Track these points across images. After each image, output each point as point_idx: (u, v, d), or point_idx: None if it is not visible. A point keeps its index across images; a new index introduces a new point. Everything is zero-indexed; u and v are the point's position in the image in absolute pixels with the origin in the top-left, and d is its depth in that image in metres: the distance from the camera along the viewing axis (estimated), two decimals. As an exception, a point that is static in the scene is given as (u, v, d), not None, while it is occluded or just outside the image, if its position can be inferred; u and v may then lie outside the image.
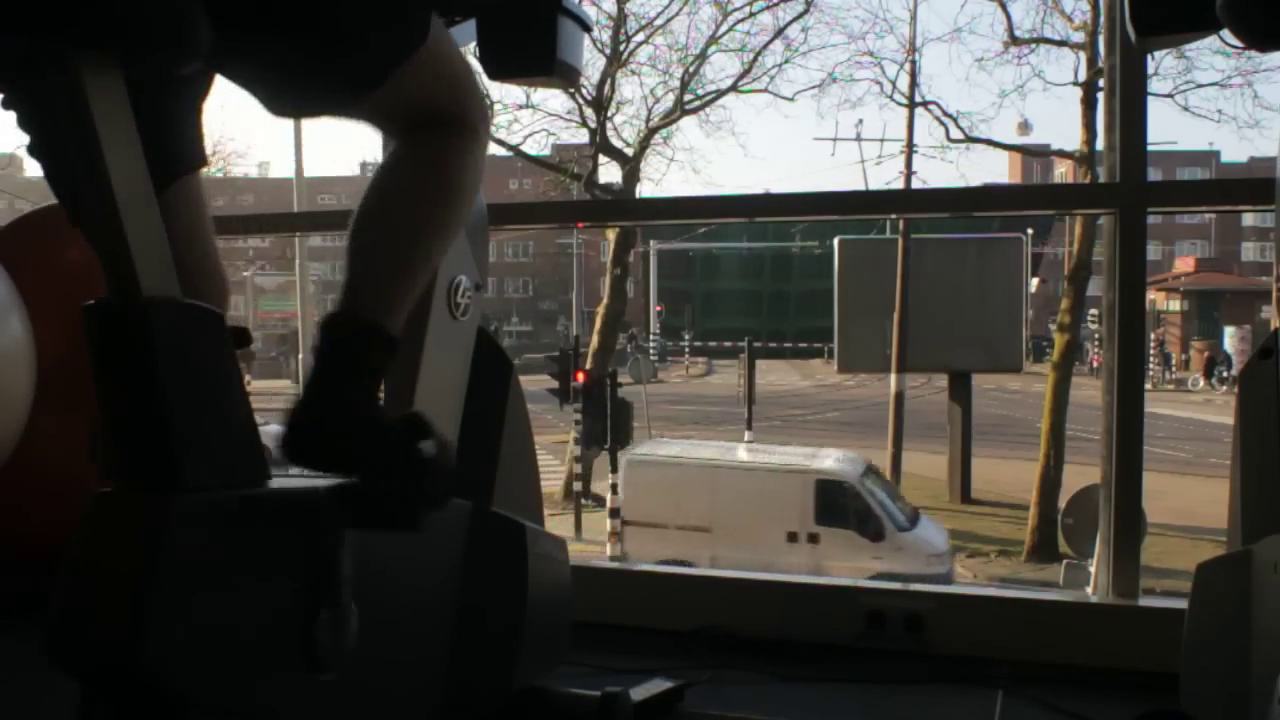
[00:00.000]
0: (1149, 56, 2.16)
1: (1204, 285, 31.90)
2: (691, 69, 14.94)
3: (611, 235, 15.03)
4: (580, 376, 13.03)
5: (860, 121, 19.73)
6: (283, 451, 1.15)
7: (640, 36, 14.75)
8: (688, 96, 14.99)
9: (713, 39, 14.83)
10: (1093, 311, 17.35)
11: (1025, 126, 16.30)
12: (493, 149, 1.41)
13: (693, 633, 2.01)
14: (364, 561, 1.20)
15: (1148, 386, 2.16)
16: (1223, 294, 31.19)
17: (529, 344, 32.17)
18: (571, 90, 13.18)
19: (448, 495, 1.26)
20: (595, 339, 14.63)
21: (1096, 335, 18.66)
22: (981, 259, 14.75)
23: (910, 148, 15.28)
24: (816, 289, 20.57)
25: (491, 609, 1.48)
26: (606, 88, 14.50)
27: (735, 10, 14.69)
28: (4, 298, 2.08)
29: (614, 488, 12.40)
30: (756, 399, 15.30)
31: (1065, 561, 9.70)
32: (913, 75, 14.67)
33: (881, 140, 19.95)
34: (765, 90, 15.13)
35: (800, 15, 14.58)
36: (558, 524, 11.55)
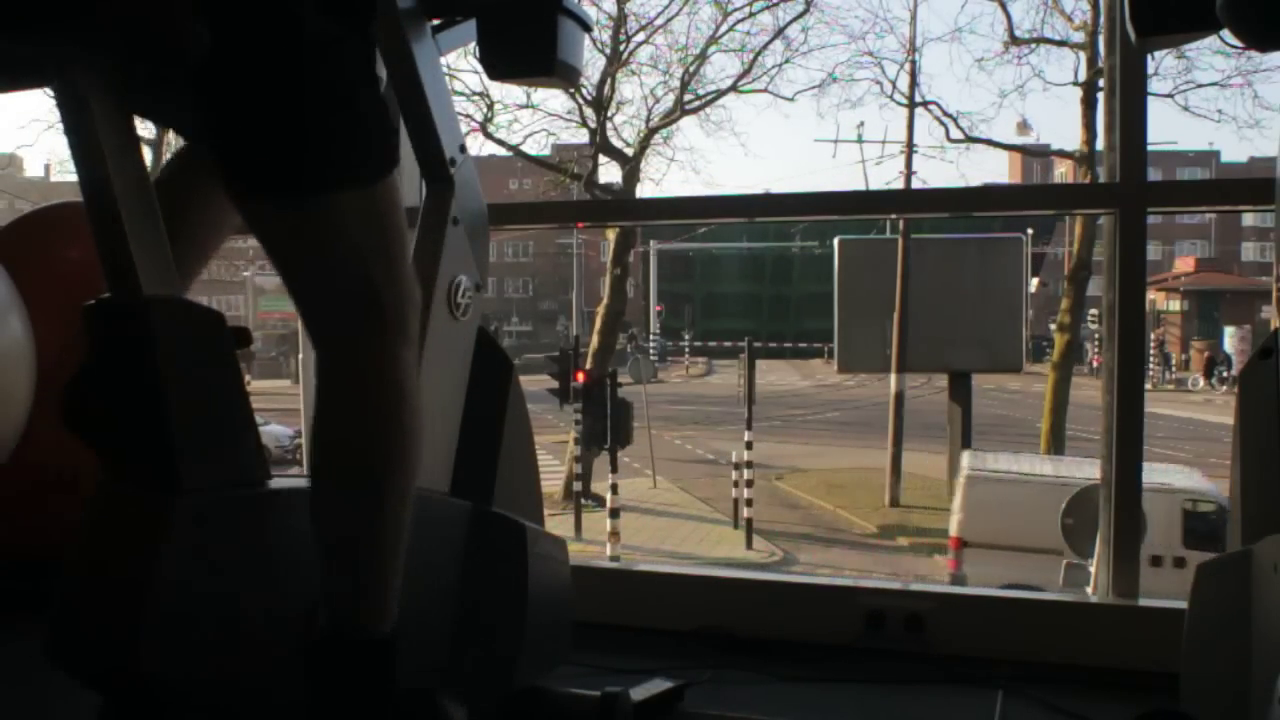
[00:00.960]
0: (1149, 56, 2.16)
1: (1204, 285, 31.90)
2: (691, 69, 14.95)
3: (611, 235, 15.03)
4: (580, 376, 13.04)
5: (862, 123, 19.69)
6: None
7: (640, 36, 14.76)
8: (688, 96, 15.00)
9: (713, 39, 14.83)
10: (1093, 311, 17.37)
11: (1025, 126, 16.31)
12: (493, 149, 1.40)
13: (693, 633, 2.01)
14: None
15: (1148, 386, 2.16)
16: (1223, 294, 31.19)
17: (529, 344, 32.16)
18: (571, 90, 13.18)
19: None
20: (595, 339, 14.63)
21: (1096, 335, 18.67)
22: (981, 259, 14.74)
23: (910, 148, 15.29)
24: (817, 292, 20.57)
25: (491, 609, 1.48)
26: (606, 88, 14.50)
27: (735, 10, 14.70)
28: (4, 298, 2.08)
29: (614, 488, 12.41)
30: (756, 399, 15.29)
31: (1065, 561, 9.68)
32: (913, 75, 14.68)
33: (883, 142, 19.95)
34: (765, 90, 15.14)
35: (800, 15, 14.59)
36: (558, 524, 11.55)
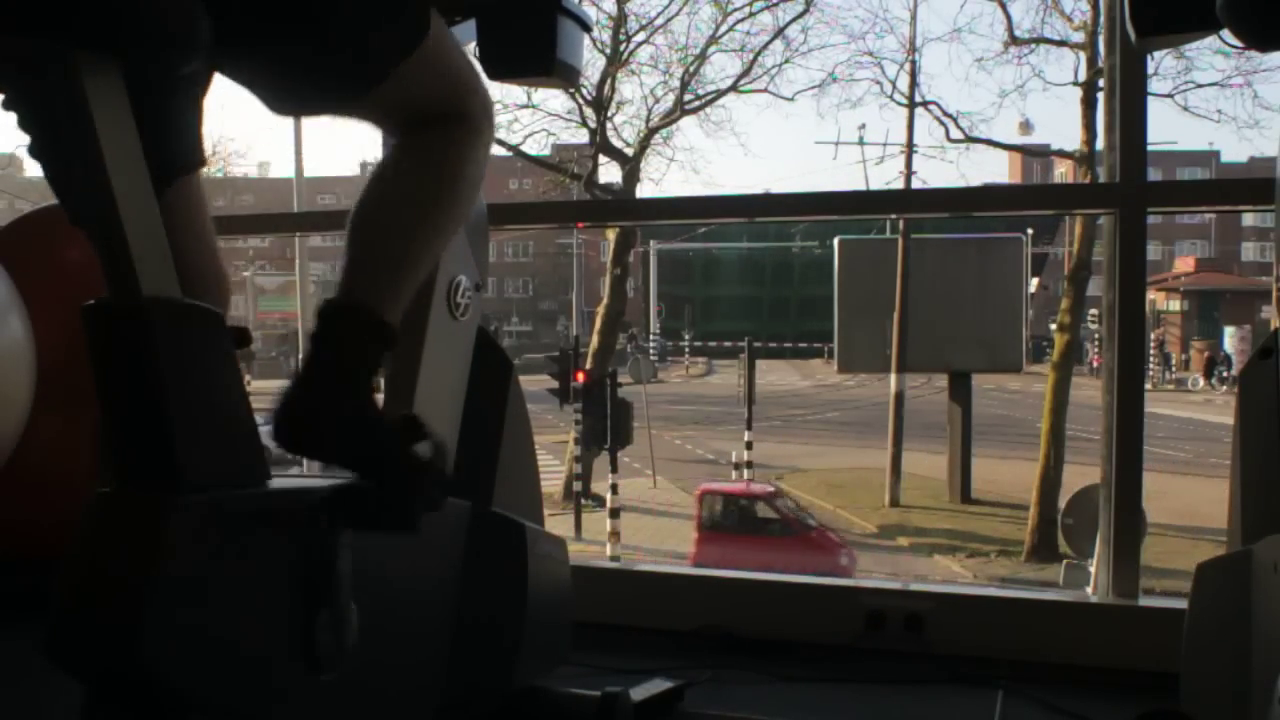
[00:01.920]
0: (1149, 56, 2.16)
1: (1204, 285, 31.90)
2: (691, 69, 14.96)
3: (611, 235, 15.02)
4: (580, 376, 13.04)
5: (863, 126, 19.73)
6: (273, 436, 1.14)
7: (640, 36, 14.77)
8: (688, 96, 15.00)
9: (713, 39, 14.84)
10: (1093, 311, 17.35)
11: (1025, 126, 16.32)
12: (493, 149, 1.40)
13: (693, 633, 2.01)
14: (364, 562, 1.20)
15: (1148, 386, 2.16)
16: (1223, 294, 31.20)
17: (529, 344, 32.17)
18: (571, 90, 13.18)
19: (443, 497, 1.24)
20: (595, 339, 14.63)
21: (1096, 335, 18.66)
22: (981, 259, 14.75)
23: (910, 148, 15.29)
24: (817, 295, 20.56)
25: (491, 609, 1.48)
26: (606, 88, 14.50)
27: (735, 10, 14.71)
28: (4, 298, 2.08)
29: (614, 488, 12.41)
30: (756, 399, 15.30)
31: (1065, 561, 9.69)
32: (913, 75, 14.68)
33: (884, 145, 19.93)
34: (765, 90, 15.15)
35: (800, 15, 14.60)
36: (558, 524, 11.55)
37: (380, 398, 1.30)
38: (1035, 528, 12.23)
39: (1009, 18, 14.28)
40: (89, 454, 1.18)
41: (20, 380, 2.07)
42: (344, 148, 53.75)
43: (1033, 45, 13.24)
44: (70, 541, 1.06)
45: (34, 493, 2.08)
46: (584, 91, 14.12)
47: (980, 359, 14.87)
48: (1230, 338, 27.58)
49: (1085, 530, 8.57)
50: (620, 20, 14.48)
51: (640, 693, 1.62)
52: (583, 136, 15.31)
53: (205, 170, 1.37)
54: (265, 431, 1.16)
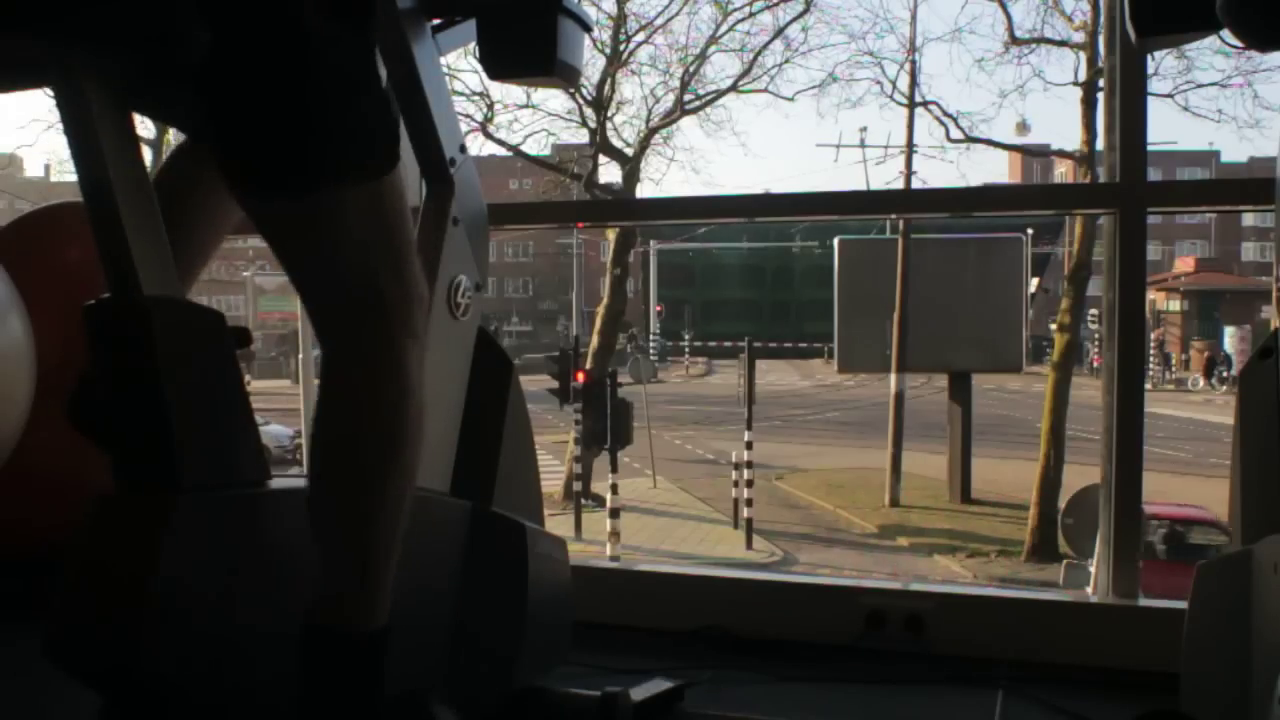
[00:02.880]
0: (1149, 56, 2.16)
1: (1204, 285, 31.92)
2: (691, 69, 14.96)
3: (611, 235, 15.02)
4: (580, 376, 13.04)
5: (864, 128, 19.71)
6: None
7: (640, 36, 14.76)
8: (688, 96, 15.01)
9: (713, 39, 14.85)
10: (1093, 311, 17.35)
11: (1022, 127, 16.31)
12: (493, 149, 1.40)
13: (693, 633, 2.01)
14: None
15: (1148, 386, 2.16)
16: (1223, 294, 31.21)
17: (529, 344, 32.17)
18: (571, 90, 13.18)
19: None
20: (595, 339, 14.63)
21: (1096, 335, 18.65)
22: (981, 259, 14.74)
23: (910, 148, 15.29)
24: (818, 298, 20.54)
25: (492, 609, 1.48)
26: (606, 88, 14.50)
27: (735, 10, 14.71)
28: (4, 298, 2.07)
29: (614, 488, 12.41)
30: (756, 399, 15.29)
31: (1065, 561, 9.69)
32: (913, 75, 14.70)
33: (885, 148, 19.91)
34: (765, 90, 15.16)
35: (800, 15, 14.60)
36: (558, 524, 11.56)
37: None
38: (1035, 528, 12.23)
39: (1009, 18, 14.29)
40: (89, 454, 1.17)
41: (20, 380, 2.07)
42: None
43: (1033, 45, 13.27)
44: (70, 541, 1.06)
45: (34, 493, 2.08)
46: (584, 91, 14.13)
47: (980, 359, 14.86)
48: (1230, 338, 27.60)
49: (1085, 530, 8.57)
50: (620, 20, 14.49)
51: (640, 693, 1.61)
52: (583, 136, 15.32)
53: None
54: (265, 431, 1.15)
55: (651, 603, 2.14)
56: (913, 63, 14.62)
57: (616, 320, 15.49)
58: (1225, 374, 25.51)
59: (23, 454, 2.09)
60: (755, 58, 14.77)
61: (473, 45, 1.59)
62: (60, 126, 1.08)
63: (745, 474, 13.22)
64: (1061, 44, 13.11)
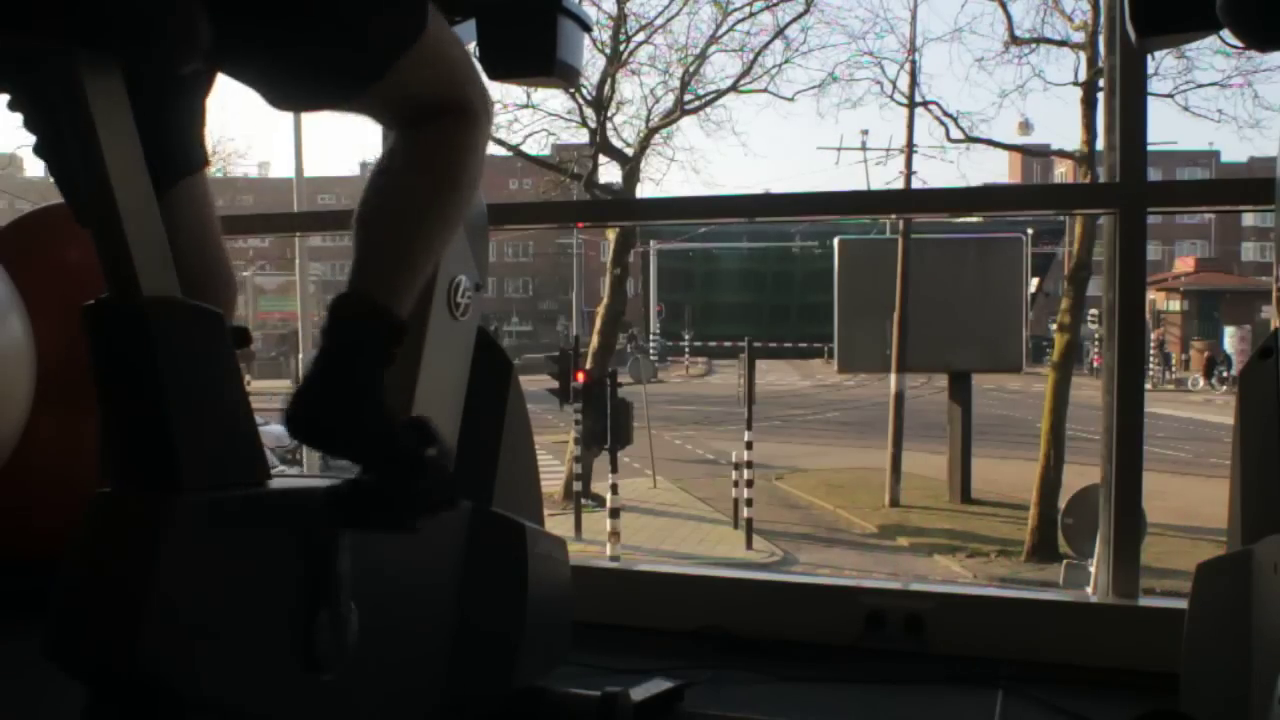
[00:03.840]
0: (1149, 56, 2.16)
1: (1204, 285, 31.92)
2: (691, 69, 14.95)
3: (611, 235, 15.02)
4: (580, 376, 13.04)
5: (866, 131, 19.72)
6: (284, 426, 1.15)
7: (640, 36, 14.76)
8: (688, 96, 14.99)
9: (713, 39, 14.83)
10: (1093, 311, 17.35)
11: (1025, 126, 16.31)
12: (493, 149, 1.40)
13: (693, 633, 2.01)
14: (364, 561, 1.20)
15: (1148, 386, 2.16)
16: (1223, 294, 31.20)
17: (529, 344, 32.18)
18: (571, 90, 13.18)
19: (446, 501, 1.25)
20: (595, 339, 14.62)
21: (1096, 335, 18.66)
22: (981, 259, 14.74)
23: (910, 148, 15.29)
24: (819, 302, 20.53)
25: (491, 609, 1.48)
26: (606, 88, 14.49)
27: (735, 10, 14.70)
28: (4, 298, 2.07)
29: (614, 488, 12.40)
30: (756, 399, 15.29)
31: (1065, 561, 9.68)
32: (913, 75, 14.68)
33: (886, 150, 19.90)
34: (765, 90, 15.14)
35: (800, 15, 14.59)
36: (558, 524, 11.56)
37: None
38: (1035, 528, 12.22)
39: (1009, 18, 14.25)
40: (89, 454, 1.18)
41: (20, 380, 2.07)
42: (344, 148, 53.81)
43: (1033, 45, 13.25)
44: (70, 541, 1.06)
45: (34, 493, 2.08)
46: (584, 91, 14.12)
47: (980, 359, 14.86)
48: (1230, 338, 27.59)
49: (1085, 530, 8.56)
50: (620, 20, 14.48)
51: (640, 693, 1.62)
52: (583, 136, 15.31)
53: (207, 170, 1.37)
54: (265, 431, 1.16)
55: (651, 603, 2.14)
56: (913, 63, 14.62)
57: (616, 320, 15.49)
58: (1225, 374, 25.50)
59: (23, 454, 2.09)
60: (755, 58, 14.77)
61: (473, 45, 1.59)
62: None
63: (745, 474, 13.22)
64: (1061, 44, 13.10)
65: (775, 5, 14.71)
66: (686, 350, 31.81)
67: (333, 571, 1.18)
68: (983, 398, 17.19)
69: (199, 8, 1.03)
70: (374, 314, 1.18)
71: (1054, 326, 14.45)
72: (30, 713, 1.61)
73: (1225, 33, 1.30)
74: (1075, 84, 12.55)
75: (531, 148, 15.22)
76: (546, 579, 1.56)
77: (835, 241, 15.34)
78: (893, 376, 15.20)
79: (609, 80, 14.52)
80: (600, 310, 15.29)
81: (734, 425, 16.57)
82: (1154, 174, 2.07)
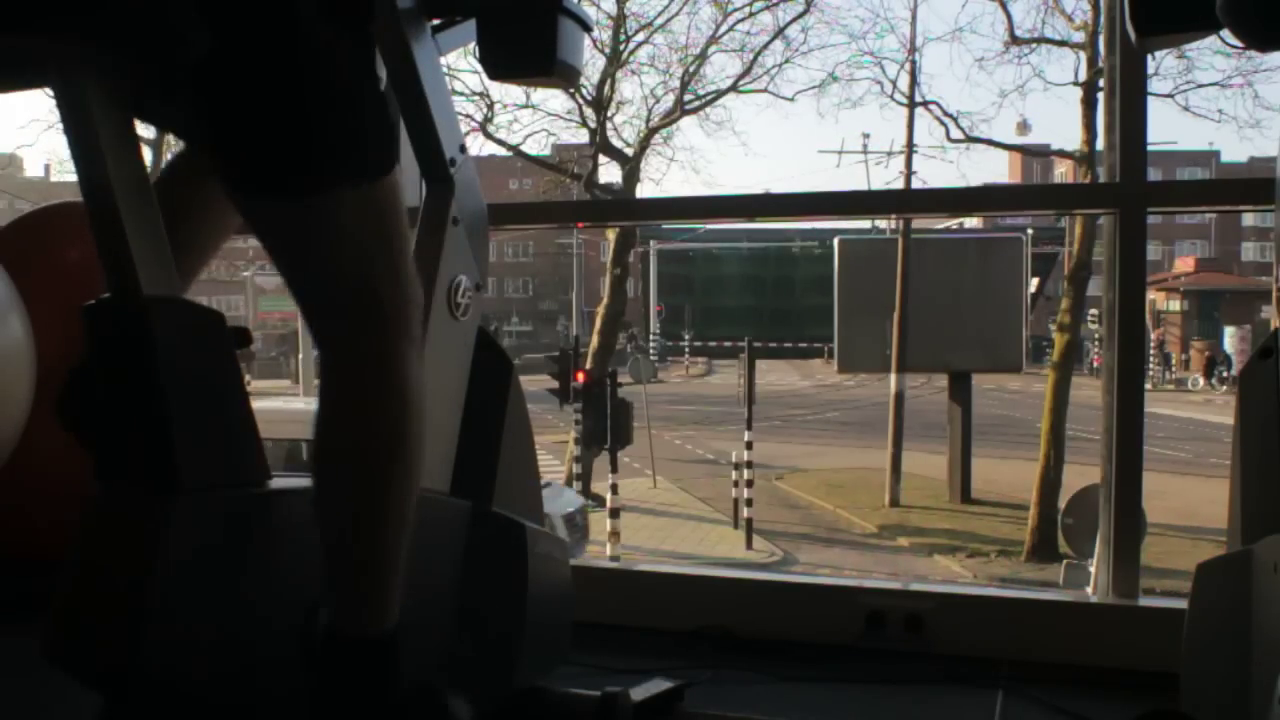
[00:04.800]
0: (1149, 56, 2.16)
1: (1204, 285, 31.91)
2: (691, 69, 14.94)
3: (611, 235, 15.02)
4: (580, 376, 13.03)
5: (868, 135, 19.71)
6: None
7: (640, 36, 14.75)
8: (688, 96, 14.99)
9: (713, 39, 14.83)
10: (1093, 311, 17.34)
11: (1023, 126, 16.31)
12: (493, 149, 1.39)
13: (693, 633, 2.01)
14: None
15: (1148, 386, 2.16)
16: (1223, 294, 31.20)
17: (529, 344, 32.17)
18: (571, 90, 13.18)
19: None
20: (595, 339, 14.62)
21: (1096, 335, 18.65)
22: (981, 259, 14.75)
23: (910, 148, 15.29)
24: (819, 305, 20.52)
25: (491, 609, 1.48)
26: (606, 88, 14.49)
27: (735, 10, 14.70)
28: (4, 298, 2.07)
29: (614, 488, 12.40)
30: (756, 399, 15.29)
31: (1065, 561, 9.68)
32: (913, 75, 14.69)
33: (887, 153, 19.89)
34: (765, 90, 15.14)
35: (800, 15, 14.59)
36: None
37: None
38: (1035, 528, 12.23)
39: (1009, 17, 14.25)
40: (89, 454, 1.18)
41: (20, 380, 2.07)
42: (344, 148, 53.62)
43: (1033, 45, 13.25)
44: (70, 542, 1.06)
45: (34, 493, 2.08)
46: (584, 91, 14.12)
47: (980, 359, 14.86)
48: (1230, 338, 27.59)
49: (1085, 530, 8.56)
50: (620, 20, 14.47)
51: (640, 693, 1.61)
52: (583, 136, 15.31)
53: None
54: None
55: (651, 603, 2.14)
56: (913, 62, 14.64)
57: (616, 320, 15.48)
58: (1225, 374, 25.50)
59: (23, 454, 2.09)
60: (755, 58, 14.76)
61: (473, 45, 1.59)
62: (60, 126, 1.08)
63: (745, 474, 13.22)
64: (1061, 44, 13.10)
65: (775, 5, 14.72)
66: (686, 350, 31.80)
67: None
68: (983, 398, 17.19)
69: (196, 9, 1.03)
70: (369, 656, 1.13)
71: (1054, 326, 14.45)
72: (30, 713, 1.60)
73: (1225, 33, 1.30)
74: (1075, 84, 12.57)
75: (531, 148, 15.25)
76: (546, 579, 1.56)
77: (835, 241, 15.34)
78: (893, 376, 15.20)
79: (609, 80, 14.53)
80: (600, 310, 15.29)
81: (734, 425, 16.57)
82: (1154, 174, 2.07)
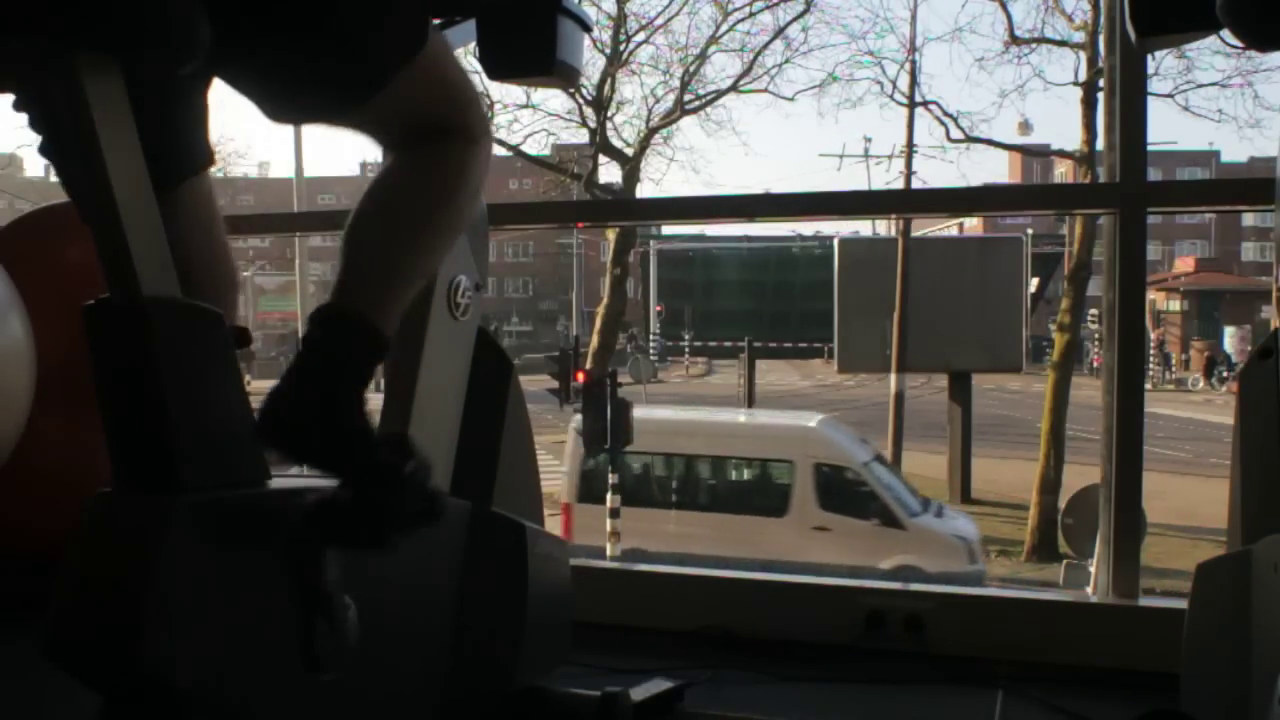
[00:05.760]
0: (1149, 56, 2.16)
1: (1204, 285, 31.90)
2: (691, 69, 14.93)
3: (611, 235, 15.02)
4: (580, 376, 13.03)
5: (869, 139, 19.68)
6: (257, 432, 1.13)
7: (640, 36, 14.75)
8: (688, 96, 14.98)
9: (713, 39, 14.81)
10: (1093, 311, 17.34)
11: (1024, 126, 16.28)
12: (493, 149, 1.39)
13: (693, 633, 2.01)
14: (364, 561, 1.20)
15: (1148, 386, 2.17)
16: (1223, 294, 31.19)
17: (529, 344, 32.15)
18: (571, 90, 13.18)
19: (425, 517, 1.19)
20: (595, 339, 14.62)
21: (1096, 335, 18.65)
22: (981, 259, 14.74)
23: (910, 148, 15.27)
24: (818, 309, 20.53)
25: (491, 609, 1.48)
26: (606, 88, 14.49)
27: (735, 10, 14.69)
28: (4, 298, 2.07)
29: (614, 488, 12.39)
30: (756, 399, 15.29)
31: (1065, 561, 9.68)
32: (913, 75, 14.65)
33: (889, 157, 19.88)
34: (765, 90, 15.12)
35: (800, 15, 14.57)
36: (557, 524, 11.54)
37: (379, 396, 1.30)
38: (1035, 528, 12.22)
39: (1009, 17, 14.22)
40: (89, 454, 1.18)
41: (20, 380, 2.07)
42: (344, 148, 53.76)
43: (1033, 45, 13.23)
44: (70, 542, 1.06)
45: (34, 493, 2.08)
46: (584, 91, 14.11)
47: (980, 359, 14.85)
48: (1230, 338, 27.59)
49: (1085, 530, 8.56)
50: (620, 20, 14.47)
51: (640, 693, 1.62)
52: (583, 136, 15.30)
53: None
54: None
55: (651, 603, 2.14)
56: (913, 62, 14.59)
57: (616, 320, 15.48)
58: (1225, 374, 25.49)
59: (23, 454, 2.09)
60: (755, 58, 14.74)
61: (473, 45, 1.59)
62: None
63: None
64: (1061, 44, 13.07)
65: (775, 5, 14.71)
66: (686, 350, 31.80)
67: (320, 582, 1.16)
68: (983, 398, 17.18)
69: (201, 9, 1.03)
70: (356, 328, 1.15)
71: (1054, 326, 14.44)
72: (30, 713, 1.61)
73: (1225, 33, 1.30)
74: (1075, 84, 12.55)
75: (531, 148, 15.21)
76: (546, 579, 1.56)
77: (835, 241, 15.34)
78: (893, 376, 15.20)
79: (609, 80, 14.53)
80: (600, 310, 15.28)
81: (734, 425, 16.54)
82: (1154, 174, 2.07)
